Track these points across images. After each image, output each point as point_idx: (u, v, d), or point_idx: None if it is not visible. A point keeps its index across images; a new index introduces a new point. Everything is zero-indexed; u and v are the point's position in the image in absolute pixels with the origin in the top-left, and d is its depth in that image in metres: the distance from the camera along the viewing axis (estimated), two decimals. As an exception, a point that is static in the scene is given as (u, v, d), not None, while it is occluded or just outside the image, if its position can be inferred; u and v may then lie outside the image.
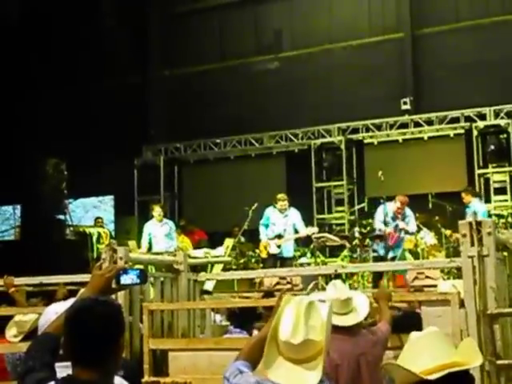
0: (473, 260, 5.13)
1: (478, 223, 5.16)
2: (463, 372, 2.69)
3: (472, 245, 5.15)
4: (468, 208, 12.72)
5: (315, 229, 12.60)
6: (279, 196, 12.47)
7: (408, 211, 11.99)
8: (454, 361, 2.67)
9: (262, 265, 12.79)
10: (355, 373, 4.49)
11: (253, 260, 14.12)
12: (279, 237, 12.22)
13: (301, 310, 3.08)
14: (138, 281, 3.28)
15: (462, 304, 5.16)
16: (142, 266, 7.39)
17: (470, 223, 5.18)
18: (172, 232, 13.08)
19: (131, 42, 19.39)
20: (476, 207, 12.62)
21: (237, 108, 18.17)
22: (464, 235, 5.19)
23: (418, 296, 5.82)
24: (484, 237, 5.13)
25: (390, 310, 5.21)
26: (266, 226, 12.44)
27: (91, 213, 19.71)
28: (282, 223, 12.28)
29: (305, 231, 12.28)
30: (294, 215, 12.37)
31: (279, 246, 12.22)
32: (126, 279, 3.20)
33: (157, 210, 13.13)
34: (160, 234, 12.91)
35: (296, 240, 14.78)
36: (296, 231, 12.30)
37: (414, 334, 2.85)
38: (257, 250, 13.10)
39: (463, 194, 13.02)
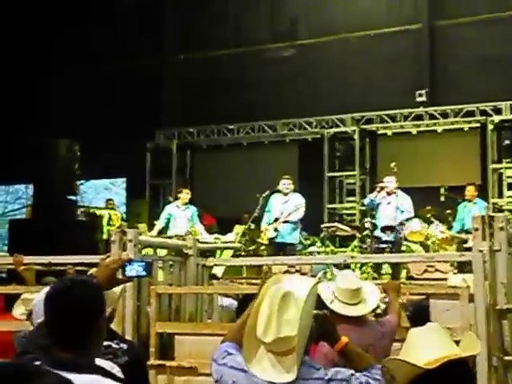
0: (484, 254, 5.11)
1: (491, 218, 5.13)
2: (462, 364, 2.71)
3: (483, 239, 5.13)
4: (468, 203, 12.58)
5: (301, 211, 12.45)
6: (284, 176, 12.43)
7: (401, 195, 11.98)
8: (453, 353, 2.69)
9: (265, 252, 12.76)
10: (363, 364, 4.47)
11: (262, 247, 14.11)
12: (276, 220, 12.22)
13: (275, 302, 3.01)
14: (144, 273, 3.29)
15: (471, 298, 5.13)
16: (151, 250, 7.42)
17: (483, 217, 5.15)
18: (195, 217, 13.14)
19: (148, 25, 19.38)
20: (480, 204, 12.56)
21: (251, 95, 18.12)
22: (476, 229, 5.16)
23: (427, 289, 5.79)
24: (496, 231, 5.10)
25: (399, 302, 5.19)
26: (268, 212, 12.46)
27: (103, 194, 19.78)
28: (280, 207, 12.26)
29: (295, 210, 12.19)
30: (295, 200, 12.32)
31: (276, 230, 12.18)
32: (131, 271, 3.22)
33: (186, 192, 13.22)
34: (182, 218, 12.97)
35: (305, 228, 14.85)
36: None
37: (413, 330, 2.87)
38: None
39: (473, 188, 12.83)
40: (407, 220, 12.20)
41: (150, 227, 14.39)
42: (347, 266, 10.45)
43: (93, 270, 3.35)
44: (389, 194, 12.07)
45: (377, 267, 11.53)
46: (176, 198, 14.34)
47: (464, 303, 5.15)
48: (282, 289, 3.05)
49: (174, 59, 19.82)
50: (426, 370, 2.59)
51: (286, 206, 12.31)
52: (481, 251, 5.11)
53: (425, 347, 2.68)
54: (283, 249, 12.20)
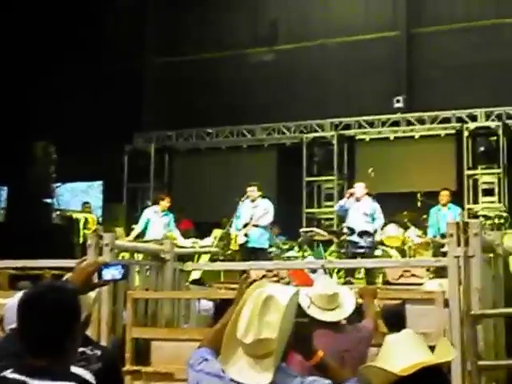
0: (458, 260, 5.15)
1: (466, 224, 5.17)
2: (437, 370, 2.75)
3: (458, 245, 5.17)
4: (442, 208, 12.68)
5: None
6: (249, 184, 12.48)
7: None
8: (428, 359, 2.73)
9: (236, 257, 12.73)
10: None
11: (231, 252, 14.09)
12: (245, 226, 12.26)
13: (257, 305, 2.99)
14: (120, 276, 3.27)
15: (446, 304, 5.17)
16: (127, 254, 7.40)
17: (458, 223, 5.20)
18: (172, 223, 13.27)
19: (128, 28, 19.30)
20: (454, 209, 12.65)
21: (230, 99, 18.13)
22: (451, 235, 5.20)
23: (402, 294, 5.82)
24: (470, 237, 5.14)
25: (375, 307, 5.21)
26: (238, 218, 12.50)
27: (79, 198, 19.66)
28: (249, 212, 12.30)
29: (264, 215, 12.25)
30: (263, 206, 12.38)
31: (246, 235, 12.22)
32: (107, 274, 3.20)
33: (167, 201, 13.38)
34: (159, 223, 13.07)
35: (283, 233, 14.89)
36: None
37: (389, 337, 2.90)
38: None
39: (447, 193, 12.91)
40: (381, 227, 12.29)
41: (128, 231, 14.34)
42: (324, 271, 10.51)
43: (69, 275, 3.32)
44: (358, 199, 12.12)
45: (353, 272, 11.56)
46: (155, 203, 14.34)
47: (439, 308, 5.19)
48: (264, 293, 3.03)
49: (153, 62, 19.78)
50: (401, 377, 2.61)
51: (255, 211, 12.35)
52: (456, 257, 5.14)
53: (400, 354, 2.71)
54: (254, 254, 12.23)
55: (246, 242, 12.29)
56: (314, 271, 9.45)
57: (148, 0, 19.97)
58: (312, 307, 4.60)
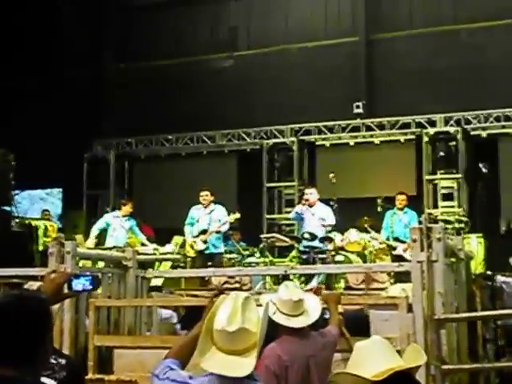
0: (422, 265, 5.19)
1: (429, 229, 5.21)
2: (407, 375, 2.78)
3: (422, 250, 5.21)
4: (398, 212, 12.79)
5: (237, 214, 12.54)
6: (201, 188, 12.50)
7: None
8: (399, 364, 2.75)
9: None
10: (305, 375, 4.49)
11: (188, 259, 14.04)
12: (204, 232, 12.24)
13: (238, 302, 3.08)
14: (90, 287, 3.25)
15: (410, 308, 5.20)
16: (87, 262, 7.31)
17: (421, 229, 5.23)
18: (135, 228, 13.29)
19: (87, 34, 19.12)
20: (411, 213, 12.79)
21: (190, 105, 18.06)
22: (414, 240, 5.24)
23: (366, 299, 5.84)
24: (434, 242, 5.19)
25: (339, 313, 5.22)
26: (191, 225, 12.47)
27: (38, 205, 19.41)
28: (206, 219, 12.31)
29: (226, 219, 12.29)
30: (219, 211, 12.41)
31: (205, 242, 12.21)
32: (77, 285, 3.17)
33: (130, 206, 13.35)
34: (120, 229, 13.05)
35: (244, 239, 14.87)
36: None
37: (359, 343, 2.94)
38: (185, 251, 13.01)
39: (403, 197, 13.02)
40: (329, 226, 12.36)
41: (87, 239, 14.18)
42: (285, 277, 10.52)
43: (35, 284, 3.27)
44: (311, 205, 12.19)
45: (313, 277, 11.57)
46: (115, 209, 14.23)
47: (402, 313, 5.22)
48: (242, 293, 3.13)
49: (112, 69, 19.62)
50: (373, 382, 2.62)
51: (211, 216, 12.37)
52: (419, 262, 5.18)
53: (371, 360, 2.72)
54: (212, 259, 12.24)
55: (206, 248, 12.29)
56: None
57: (106, 5, 19.79)
58: (277, 313, 4.60)
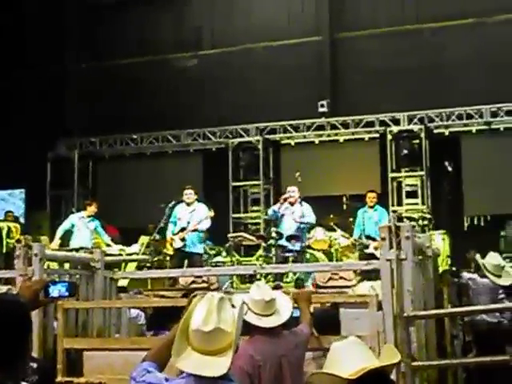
0: (391, 263, 5.23)
1: (397, 227, 5.26)
2: (382, 374, 2.82)
3: (391, 248, 5.25)
4: (369, 210, 12.89)
5: (210, 212, 12.55)
6: (185, 186, 12.46)
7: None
8: (374, 363, 2.79)
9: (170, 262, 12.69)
10: (277, 374, 4.50)
11: (168, 258, 14.01)
12: (182, 230, 12.21)
13: (213, 303, 3.10)
14: (67, 293, 3.24)
15: (379, 306, 5.24)
16: (52, 263, 7.24)
17: (390, 227, 5.28)
18: (99, 229, 13.27)
19: (51, 32, 18.91)
20: (381, 210, 12.91)
21: (155, 104, 18.00)
22: (383, 239, 5.28)
23: (336, 297, 5.88)
24: (402, 241, 5.24)
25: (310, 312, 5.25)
26: (174, 223, 12.43)
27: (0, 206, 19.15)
28: (186, 217, 12.28)
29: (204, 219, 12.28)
30: (201, 210, 12.37)
31: (183, 239, 12.18)
32: (54, 291, 3.15)
33: (95, 206, 13.35)
34: (85, 230, 13.03)
35: (210, 238, 14.83)
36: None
37: (335, 344, 2.97)
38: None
39: (373, 195, 13.12)
40: (308, 224, 12.40)
41: (52, 240, 14.04)
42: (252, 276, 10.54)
43: (3, 288, 3.24)
44: (292, 203, 12.22)
45: (281, 276, 11.63)
46: (80, 209, 14.12)
47: (372, 311, 5.26)
48: (217, 294, 3.15)
49: (77, 67, 19.43)
50: (349, 381, 2.66)
51: (192, 215, 12.33)
52: (388, 260, 5.23)
53: (347, 360, 2.76)
54: (189, 258, 12.20)
55: (184, 246, 12.24)
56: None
57: (70, 4, 19.60)
58: (249, 313, 4.60)
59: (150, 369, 3.16)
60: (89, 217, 13.12)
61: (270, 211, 12.98)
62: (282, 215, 12.35)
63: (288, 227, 12.23)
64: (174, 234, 12.33)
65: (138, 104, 18.06)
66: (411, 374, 5.03)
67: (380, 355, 2.87)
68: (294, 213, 12.23)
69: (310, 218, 12.34)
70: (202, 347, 3.02)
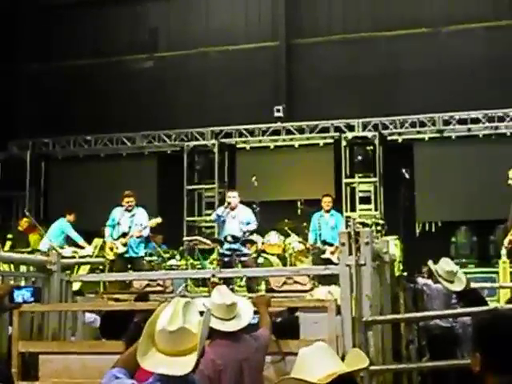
0: (350, 268, 5.30)
1: (357, 233, 5.32)
2: (350, 378, 2.87)
3: (350, 254, 5.32)
4: (325, 214, 12.98)
5: (158, 219, 12.52)
6: (125, 192, 12.43)
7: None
8: (342, 368, 2.81)
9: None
10: (238, 378, 4.53)
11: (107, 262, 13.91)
12: (124, 235, 12.16)
13: (179, 306, 3.13)
14: (32, 299, 3.21)
15: (338, 311, 5.30)
16: (6, 266, 7.14)
17: (349, 233, 5.34)
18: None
19: (2, 31, 18.60)
20: (337, 215, 13.03)
21: (109, 106, 17.87)
22: (343, 244, 5.34)
23: (296, 302, 5.92)
24: (362, 246, 5.30)
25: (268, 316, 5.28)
26: (113, 226, 12.37)
27: None
28: (127, 222, 12.24)
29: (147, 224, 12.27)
30: (141, 214, 12.36)
31: (125, 245, 12.13)
32: (18, 296, 3.13)
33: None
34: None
35: (166, 244, 14.79)
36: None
37: (303, 349, 3.00)
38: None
39: (329, 199, 13.21)
40: (251, 232, 12.47)
41: (3, 241, 13.87)
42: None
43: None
44: (232, 208, 12.24)
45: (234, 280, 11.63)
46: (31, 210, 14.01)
47: (331, 316, 5.31)
48: (183, 299, 3.19)
49: (28, 68, 19.14)
50: None
51: (133, 219, 12.29)
52: (348, 265, 5.29)
53: (315, 365, 2.79)
54: (132, 263, 12.16)
55: (126, 251, 12.19)
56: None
57: (22, 4, 19.32)
58: (211, 317, 4.61)
59: (118, 375, 3.16)
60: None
61: (213, 215, 12.95)
62: (224, 220, 12.35)
63: (230, 230, 12.22)
64: (114, 239, 12.25)
65: (93, 105, 17.91)
66: (369, 378, 5.09)
67: (346, 359, 2.92)
68: (235, 217, 12.24)
69: (254, 225, 12.34)
70: (167, 348, 3.03)
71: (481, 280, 11.78)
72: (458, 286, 6.82)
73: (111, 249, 12.24)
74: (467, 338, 6.12)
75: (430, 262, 7.08)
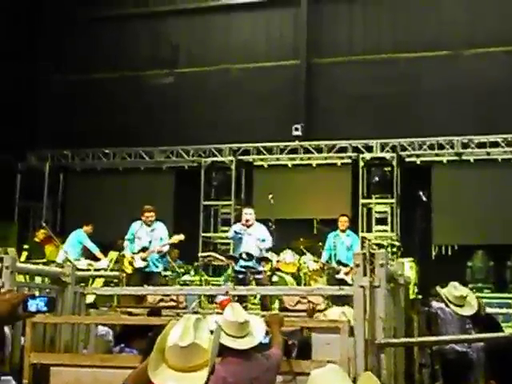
0: (364, 290, 5.26)
1: (372, 255, 5.30)
2: None
3: (364, 275, 5.29)
4: (341, 234, 12.93)
5: (181, 236, 12.49)
6: (146, 207, 12.39)
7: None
8: None
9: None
10: (249, 397, 4.50)
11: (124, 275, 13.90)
12: (144, 250, 12.13)
13: (190, 322, 3.14)
14: (46, 308, 3.20)
15: (351, 332, 5.26)
16: (22, 277, 7.16)
17: (364, 254, 5.32)
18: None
19: (24, 44, 18.79)
20: (353, 236, 12.97)
21: (129, 120, 17.96)
22: (357, 265, 5.31)
23: (308, 322, 5.89)
24: (376, 268, 5.27)
25: (281, 335, 5.25)
26: (132, 240, 12.34)
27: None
28: (147, 236, 12.22)
29: (168, 241, 12.26)
30: (161, 229, 12.33)
31: (145, 259, 12.11)
32: (32, 306, 3.11)
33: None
34: None
35: (181, 258, 14.79)
36: None
37: (315, 371, 2.97)
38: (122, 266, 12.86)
39: (346, 219, 13.16)
40: (268, 250, 12.40)
41: (19, 251, 13.90)
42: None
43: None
44: (249, 226, 12.17)
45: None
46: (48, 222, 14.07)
47: (344, 337, 5.27)
48: (194, 315, 3.20)
49: (50, 79, 19.29)
50: None
51: (153, 234, 12.26)
52: (362, 286, 5.26)
53: None
54: (149, 278, 12.11)
55: (146, 266, 12.15)
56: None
57: (46, 15, 19.50)
58: (222, 335, 4.60)
59: None
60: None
61: (230, 232, 12.79)
62: (241, 237, 12.27)
63: (247, 248, 12.15)
64: (134, 253, 12.23)
65: (113, 119, 18.01)
66: (381, 401, 5.04)
67: (358, 383, 2.89)
68: (252, 234, 12.17)
69: (269, 242, 12.26)
70: (178, 364, 3.02)
71: (496, 305, 11.69)
72: (467, 311, 6.76)
73: (130, 263, 12.22)
74: (480, 363, 6.06)
75: (438, 287, 7.02)
